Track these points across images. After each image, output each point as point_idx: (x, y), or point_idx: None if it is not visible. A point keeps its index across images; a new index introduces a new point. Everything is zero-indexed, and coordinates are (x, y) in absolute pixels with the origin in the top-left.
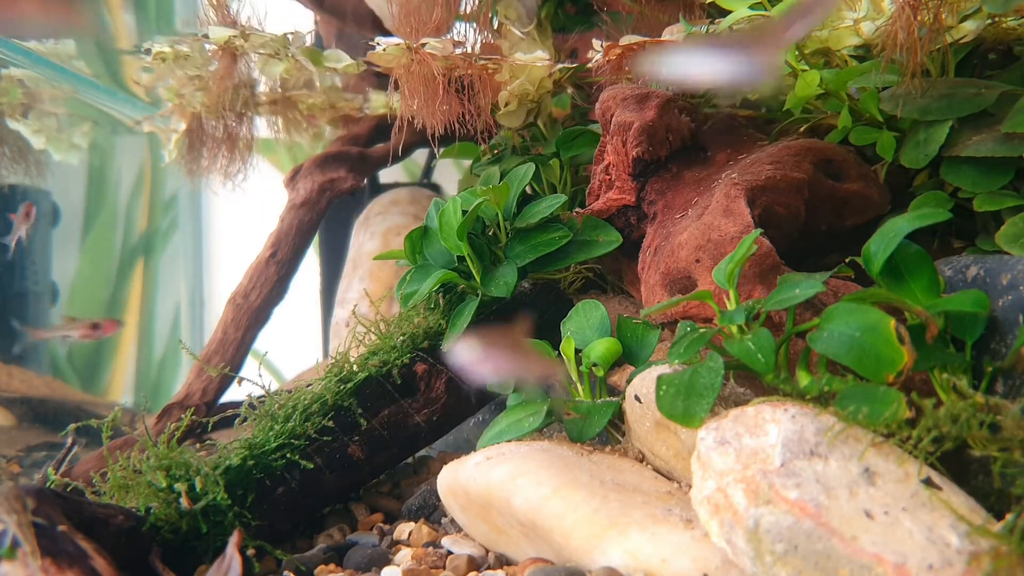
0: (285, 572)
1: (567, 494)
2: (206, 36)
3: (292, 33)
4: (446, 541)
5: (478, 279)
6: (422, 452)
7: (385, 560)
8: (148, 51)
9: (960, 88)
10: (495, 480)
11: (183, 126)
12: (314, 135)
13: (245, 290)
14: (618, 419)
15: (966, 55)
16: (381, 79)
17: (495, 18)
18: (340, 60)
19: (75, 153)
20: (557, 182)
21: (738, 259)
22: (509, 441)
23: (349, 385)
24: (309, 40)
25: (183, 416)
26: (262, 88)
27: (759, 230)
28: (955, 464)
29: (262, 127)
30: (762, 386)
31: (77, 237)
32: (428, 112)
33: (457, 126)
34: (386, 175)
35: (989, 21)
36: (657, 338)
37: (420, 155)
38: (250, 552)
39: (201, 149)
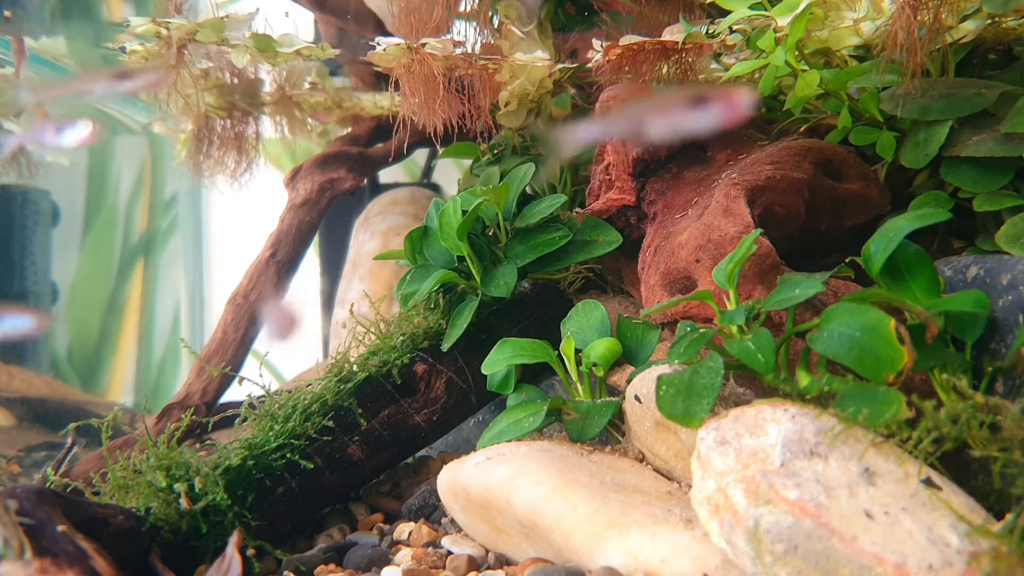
0: (285, 572)
1: (567, 494)
2: (128, 24)
3: (226, 17)
4: (446, 541)
5: (478, 279)
6: (422, 452)
7: (385, 560)
8: (123, 49)
9: (960, 88)
10: (495, 480)
11: (190, 126)
12: (321, 134)
13: (245, 290)
14: (618, 419)
15: (966, 55)
16: (380, 78)
17: (495, 17)
18: (293, 44)
19: (65, 154)
20: (557, 182)
21: (738, 259)
22: (509, 441)
23: (349, 385)
24: (311, 30)
25: (183, 416)
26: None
27: (759, 230)
28: (955, 464)
29: (267, 128)
30: (762, 386)
31: (77, 237)
32: (428, 112)
33: (457, 126)
34: (386, 175)
35: (989, 21)
36: (657, 338)
37: (420, 155)
38: (250, 552)
39: (209, 149)
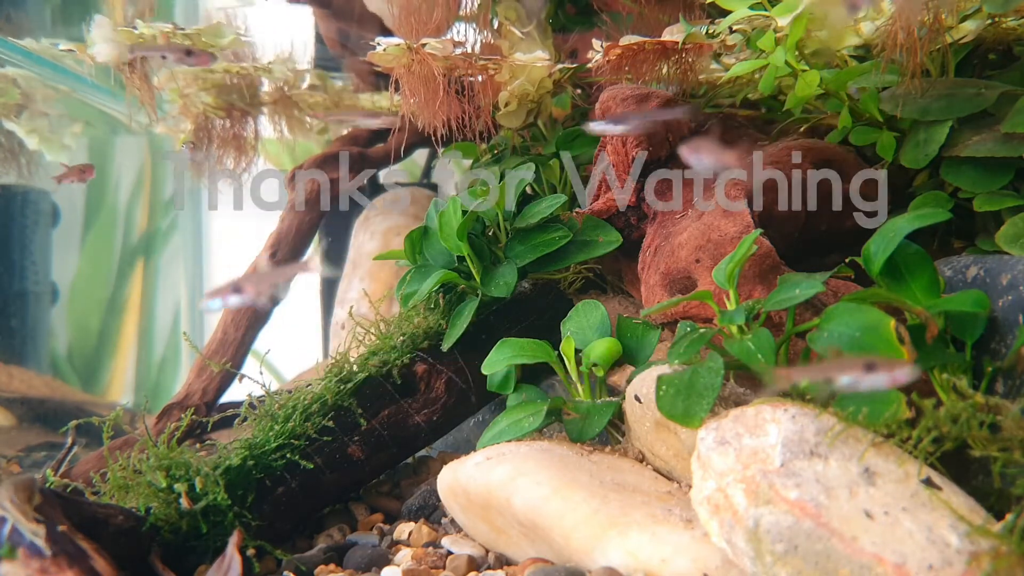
0: (285, 572)
1: (567, 494)
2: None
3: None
4: (446, 541)
5: (478, 279)
6: (422, 452)
7: (385, 560)
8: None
9: (960, 88)
10: (495, 480)
11: (189, 126)
12: (320, 132)
13: None
14: (618, 419)
15: (966, 55)
16: (380, 78)
17: (495, 18)
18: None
19: (65, 154)
20: (557, 182)
21: (738, 259)
22: (509, 441)
23: (349, 385)
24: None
25: (183, 416)
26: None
27: (759, 230)
28: (955, 464)
29: (267, 129)
30: (762, 386)
31: (77, 237)
32: (428, 112)
33: (456, 126)
34: (385, 175)
35: (989, 21)
36: (657, 338)
37: (420, 155)
38: (250, 552)
39: (208, 149)
